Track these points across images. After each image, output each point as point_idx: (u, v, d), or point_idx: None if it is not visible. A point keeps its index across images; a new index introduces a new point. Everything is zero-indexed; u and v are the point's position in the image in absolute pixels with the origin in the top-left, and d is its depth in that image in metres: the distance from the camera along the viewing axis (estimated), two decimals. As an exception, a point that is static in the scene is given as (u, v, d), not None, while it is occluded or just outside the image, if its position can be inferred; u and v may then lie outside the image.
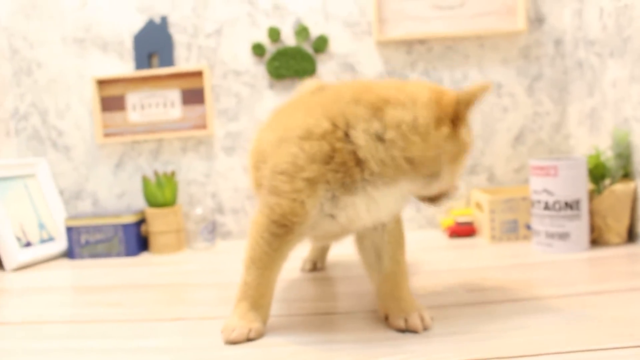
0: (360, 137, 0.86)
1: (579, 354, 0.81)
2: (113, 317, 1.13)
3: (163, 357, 0.90)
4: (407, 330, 0.94)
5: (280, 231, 0.93)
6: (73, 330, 1.07)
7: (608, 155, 1.50)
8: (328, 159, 0.87)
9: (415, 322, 0.93)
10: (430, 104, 0.86)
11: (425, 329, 0.94)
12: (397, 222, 1.00)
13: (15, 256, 1.64)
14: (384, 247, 0.99)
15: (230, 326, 0.95)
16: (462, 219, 1.69)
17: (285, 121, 0.96)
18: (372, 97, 0.88)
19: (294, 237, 0.94)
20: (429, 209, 1.82)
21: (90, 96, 1.90)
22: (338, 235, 1.01)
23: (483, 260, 1.40)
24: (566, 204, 1.40)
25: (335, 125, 0.88)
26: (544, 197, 1.43)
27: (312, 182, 0.88)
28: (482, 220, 1.63)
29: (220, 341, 0.95)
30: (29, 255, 1.68)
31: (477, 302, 1.08)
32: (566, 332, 0.89)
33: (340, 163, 0.87)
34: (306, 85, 1.19)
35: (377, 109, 0.87)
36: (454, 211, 1.78)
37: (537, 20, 1.77)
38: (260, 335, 0.96)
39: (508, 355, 0.82)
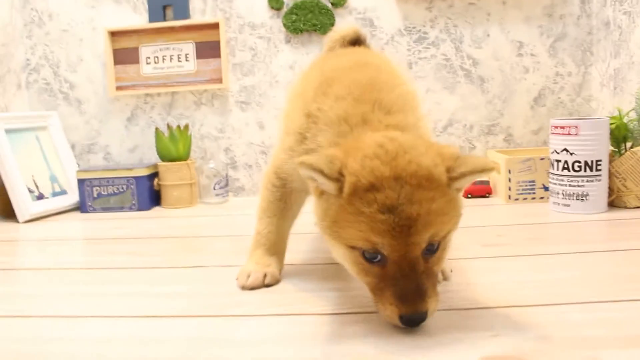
0: None
1: (593, 305, 0.79)
2: (129, 265, 1.12)
3: (180, 301, 0.89)
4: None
5: (279, 182, 0.96)
6: (90, 276, 1.06)
7: (631, 117, 1.46)
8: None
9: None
10: None
11: (445, 279, 0.92)
12: None
13: (28, 208, 1.63)
14: None
15: (246, 271, 0.95)
16: (478, 179, 1.67)
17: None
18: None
19: (292, 191, 0.95)
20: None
21: (103, 48, 1.87)
22: None
23: (499, 219, 1.38)
24: (586, 164, 1.37)
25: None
26: (563, 157, 1.40)
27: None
28: (498, 180, 1.60)
29: (236, 287, 0.94)
30: (41, 207, 1.68)
31: (494, 255, 1.06)
32: (580, 286, 0.87)
33: None
34: (341, 32, 1.17)
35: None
36: (469, 172, 1.75)
37: (562, -24, 1.72)
38: (275, 279, 0.95)
39: (523, 304, 0.80)
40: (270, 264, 0.96)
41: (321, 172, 0.71)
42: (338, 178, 0.71)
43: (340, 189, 0.71)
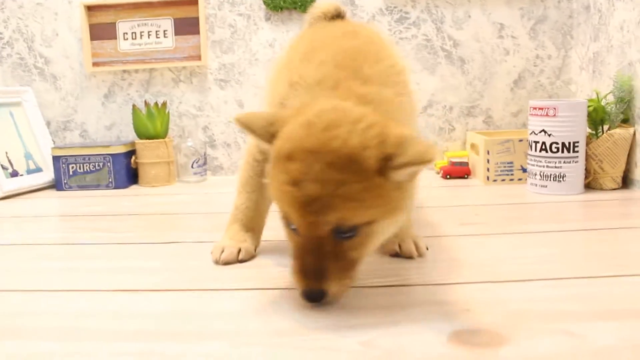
0: None
1: (569, 280, 0.80)
2: (104, 241, 1.11)
3: (155, 276, 0.88)
4: (401, 255, 0.92)
5: (260, 157, 0.94)
6: (66, 252, 1.05)
7: (609, 100, 1.47)
8: None
9: (409, 247, 0.92)
10: None
11: (420, 255, 0.92)
12: None
13: (2, 185, 1.60)
14: None
15: (220, 246, 0.94)
16: (457, 160, 1.67)
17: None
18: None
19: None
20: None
21: (79, 23, 1.83)
22: None
23: (477, 199, 1.39)
24: (564, 146, 1.38)
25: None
26: (541, 138, 1.40)
27: None
28: (477, 161, 1.61)
29: (212, 263, 0.94)
30: (15, 184, 1.65)
31: (471, 234, 1.07)
32: (556, 263, 0.88)
33: None
34: (322, 8, 1.15)
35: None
36: (448, 153, 1.76)
37: (544, -42, 1.71)
38: (249, 255, 0.94)
39: (500, 280, 0.81)
40: (245, 240, 0.95)
41: (252, 131, 0.71)
42: (270, 140, 0.71)
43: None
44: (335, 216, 0.66)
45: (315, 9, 1.17)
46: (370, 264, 0.90)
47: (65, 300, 0.79)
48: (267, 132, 0.71)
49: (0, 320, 0.73)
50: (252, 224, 0.97)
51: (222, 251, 0.93)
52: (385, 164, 0.66)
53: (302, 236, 0.70)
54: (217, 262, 0.92)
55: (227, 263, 0.92)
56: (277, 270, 0.89)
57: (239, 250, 0.93)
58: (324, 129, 0.67)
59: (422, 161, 0.65)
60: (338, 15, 1.16)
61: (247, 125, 0.72)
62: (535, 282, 0.80)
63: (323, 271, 0.69)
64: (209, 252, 0.97)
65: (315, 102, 0.73)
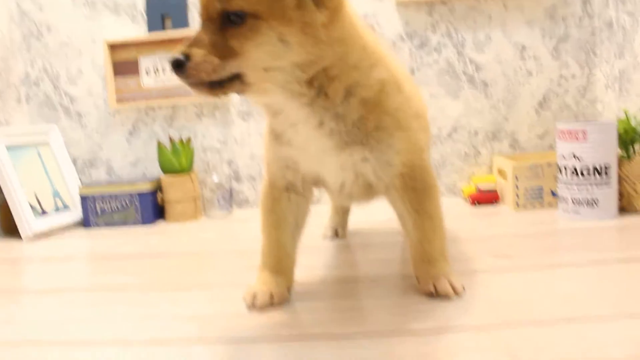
0: None
1: (612, 320, 0.78)
2: (134, 286, 1.11)
3: (187, 326, 0.87)
4: (437, 295, 0.91)
5: (268, 189, 0.97)
6: (96, 298, 1.05)
7: (638, 120, 1.44)
8: None
9: (444, 287, 0.90)
10: None
11: (456, 294, 0.91)
12: (416, 190, 0.92)
13: (31, 225, 1.62)
14: (404, 215, 0.94)
15: (252, 292, 0.94)
16: (485, 186, 1.65)
17: None
18: None
19: (280, 197, 0.95)
20: (448, 176, 1.78)
21: (103, 60, 1.85)
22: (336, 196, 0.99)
23: (508, 227, 1.36)
24: (595, 170, 1.36)
25: None
26: (571, 163, 1.38)
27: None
28: (505, 187, 1.59)
29: (245, 308, 0.93)
30: (44, 224, 1.66)
31: (505, 268, 1.04)
32: (597, 298, 0.86)
33: None
34: None
35: None
36: (475, 178, 1.74)
37: (564, -22, 1.70)
38: (283, 300, 0.93)
39: (543, 320, 0.79)
40: (277, 284, 0.94)
41: None
42: None
43: None
44: None
45: None
46: (407, 305, 0.89)
47: (99, 353, 0.79)
48: None
49: (39, 380, 0.73)
50: (281, 266, 0.96)
51: (255, 297, 0.92)
52: None
53: (201, 19, 0.77)
54: (251, 308, 0.92)
55: (261, 309, 0.91)
56: (312, 316, 0.88)
57: (272, 296, 0.92)
58: None
59: None
60: None
61: None
62: (579, 323, 0.77)
63: (197, 41, 0.75)
64: (242, 296, 0.97)
65: None
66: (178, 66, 0.74)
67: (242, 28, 0.74)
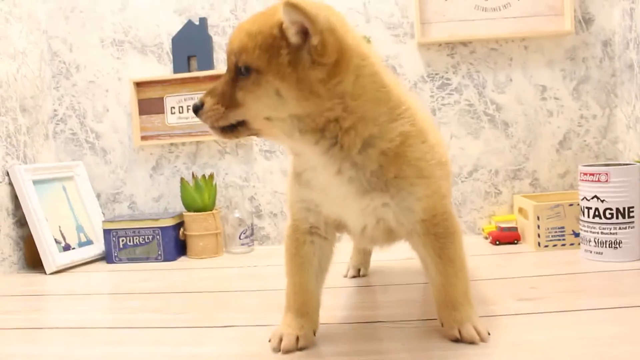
0: None
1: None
2: (158, 324, 1.11)
3: (213, 366, 0.88)
4: (462, 340, 0.90)
5: (291, 231, 0.99)
6: (119, 336, 1.05)
7: (661, 161, 1.44)
8: None
9: (469, 332, 0.90)
10: None
11: (482, 340, 0.90)
12: (438, 235, 0.92)
13: (55, 259, 1.64)
14: (426, 259, 0.94)
15: (278, 334, 0.94)
16: (506, 225, 1.65)
17: None
18: None
19: (305, 240, 0.97)
20: (469, 214, 1.78)
21: (128, 99, 1.90)
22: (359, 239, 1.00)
23: (530, 267, 1.36)
24: (618, 212, 1.35)
25: None
26: (594, 204, 1.38)
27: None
28: (526, 226, 1.58)
29: (270, 349, 0.93)
30: (68, 258, 1.69)
31: (529, 312, 1.04)
32: (624, 343, 0.85)
33: None
34: None
35: None
36: (496, 217, 1.73)
37: (584, 21, 1.72)
38: (308, 343, 0.94)
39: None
40: (302, 326, 0.95)
41: None
42: None
43: None
44: (236, 47, 0.82)
45: None
46: (430, 350, 0.88)
47: (129, 396, 0.80)
48: None
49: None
50: (306, 308, 0.97)
51: (281, 340, 0.92)
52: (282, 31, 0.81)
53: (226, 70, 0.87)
54: (276, 351, 0.92)
55: (287, 352, 0.91)
56: (336, 359, 0.88)
57: (297, 339, 0.92)
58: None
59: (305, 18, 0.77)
60: None
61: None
62: (607, 373, 0.77)
63: (212, 90, 0.86)
64: (265, 336, 0.97)
65: None
66: (195, 111, 0.87)
67: (247, 81, 0.82)
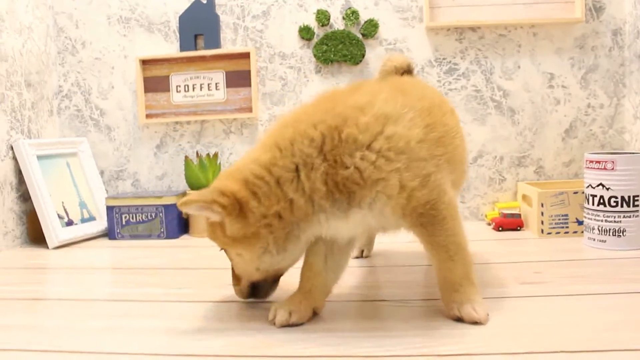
0: None
1: (651, 353, 0.77)
2: (159, 298, 1.12)
3: (219, 340, 0.88)
4: (463, 319, 0.90)
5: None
6: (119, 309, 1.06)
7: (667, 151, 1.44)
8: None
9: (469, 312, 0.90)
10: None
11: (480, 322, 0.90)
12: (424, 225, 0.91)
13: (57, 234, 1.64)
14: (425, 246, 0.94)
15: (274, 308, 0.95)
16: (509, 212, 1.64)
17: None
18: None
19: (298, 221, 0.93)
20: (472, 200, 1.78)
21: (134, 76, 1.89)
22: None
23: (533, 254, 1.36)
24: (623, 200, 1.35)
25: None
26: (599, 192, 1.37)
27: None
28: (530, 213, 1.58)
29: (270, 325, 0.93)
30: (70, 233, 1.69)
31: (532, 294, 1.04)
32: (627, 330, 0.85)
33: None
34: (395, 62, 1.25)
35: None
36: (499, 204, 1.73)
37: (595, 9, 1.71)
38: (302, 319, 0.94)
39: (570, 350, 0.78)
40: (300, 302, 0.95)
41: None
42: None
43: None
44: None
45: (389, 62, 1.21)
46: (432, 329, 0.88)
47: (131, 365, 0.80)
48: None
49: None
50: (308, 285, 0.97)
51: (275, 314, 0.94)
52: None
53: None
54: (270, 324, 0.93)
55: (281, 326, 0.92)
56: (338, 337, 0.88)
57: (290, 313, 0.93)
58: None
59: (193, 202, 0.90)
60: (408, 71, 1.22)
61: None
62: (610, 354, 0.77)
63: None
64: (267, 313, 0.97)
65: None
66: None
67: (231, 258, 0.99)
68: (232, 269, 1.01)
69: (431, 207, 0.90)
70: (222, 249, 0.98)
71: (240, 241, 0.91)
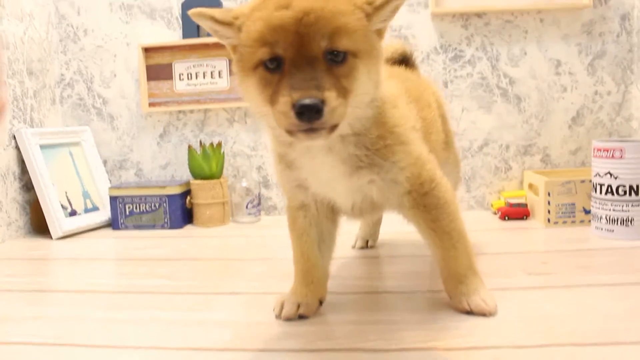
0: None
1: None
2: (163, 289, 1.11)
3: (222, 333, 0.87)
4: (473, 313, 0.89)
5: (287, 207, 0.98)
6: (123, 301, 1.05)
7: (676, 139, 1.42)
8: None
9: (478, 304, 0.89)
10: None
11: (490, 313, 0.89)
12: (427, 207, 0.89)
13: (61, 224, 1.64)
14: (423, 233, 0.92)
15: (280, 302, 0.94)
16: (515, 201, 1.63)
17: None
18: None
19: (301, 206, 0.95)
20: (478, 189, 1.76)
21: (137, 64, 1.87)
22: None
23: (540, 243, 1.35)
24: (631, 188, 1.33)
25: None
26: (607, 181, 1.36)
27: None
28: (536, 202, 1.57)
29: (275, 317, 0.93)
30: (74, 224, 1.68)
31: (540, 285, 1.03)
32: (635, 320, 0.84)
33: None
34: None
35: None
36: (505, 193, 1.72)
37: (603, -6, 1.68)
38: (309, 311, 0.93)
39: (580, 342, 0.77)
40: (306, 294, 0.94)
41: (213, 18, 0.77)
42: (232, 22, 0.77)
43: (239, 29, 0.76)
44: (327, 30, 0.71)
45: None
46: (438, 321, 0.88)
47: (123, 358, 0.79)
48: (228, 17, 0.77)
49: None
50: (310, 277, 0.96)
51: (282, 307, 0.93)
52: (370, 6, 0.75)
53: (289, 61, 0.71)
54: (278, 318, 0.92)
55: (288, 319, 0.91)
56: (343, 329, 0.87)
57: (298, 306, 0.92)
58: None
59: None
60: (404, 60, 1.18)
61: (209, 16, 0.77)
62: (620, 347, 0.76)
63: (321, 83, 0.70)
64: (271, 304, 0.96)
65: None
66: (318, 111, 0.69)
67: (344, 67, 0.73)
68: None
69: (435, 188, 0.90)
70: (347, 50, 0.73)
71: (378, 64, 0.80)
